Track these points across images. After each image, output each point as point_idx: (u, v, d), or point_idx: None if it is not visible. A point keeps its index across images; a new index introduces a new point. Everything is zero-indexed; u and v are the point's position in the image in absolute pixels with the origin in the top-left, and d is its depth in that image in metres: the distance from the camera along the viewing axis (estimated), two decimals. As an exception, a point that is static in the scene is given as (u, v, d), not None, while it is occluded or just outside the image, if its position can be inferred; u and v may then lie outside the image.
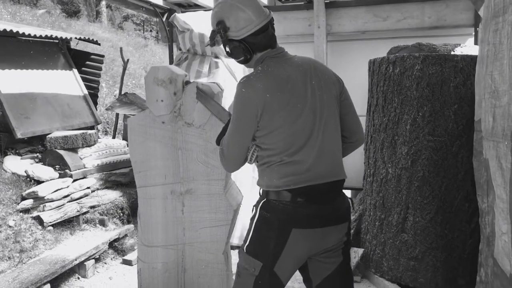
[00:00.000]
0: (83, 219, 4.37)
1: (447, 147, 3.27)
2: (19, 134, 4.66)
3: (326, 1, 4.98)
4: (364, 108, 3.77)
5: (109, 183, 4.86)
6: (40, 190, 3.99)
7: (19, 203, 3.99)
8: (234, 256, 2.99)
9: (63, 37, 5.72)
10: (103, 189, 4.78)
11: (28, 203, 3.98)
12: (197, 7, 5.61)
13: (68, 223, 4.21)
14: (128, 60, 6.27)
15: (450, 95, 3.24)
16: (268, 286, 1.97)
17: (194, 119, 2.65)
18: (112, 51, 11.38)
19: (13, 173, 4.34)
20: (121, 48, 6.42)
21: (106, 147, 5.03)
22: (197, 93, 2.63)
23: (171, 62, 5.77)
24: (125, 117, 5.91)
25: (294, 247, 1.91)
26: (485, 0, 2.13)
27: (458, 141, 3.27)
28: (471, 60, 3.25)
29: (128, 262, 4.18)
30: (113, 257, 4.27)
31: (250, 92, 1.90)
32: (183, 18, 4.67)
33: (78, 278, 3.85)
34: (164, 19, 5.67)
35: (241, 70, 4.75)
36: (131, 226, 4.56)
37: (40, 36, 5.31)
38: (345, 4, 5.06)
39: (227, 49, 2.05)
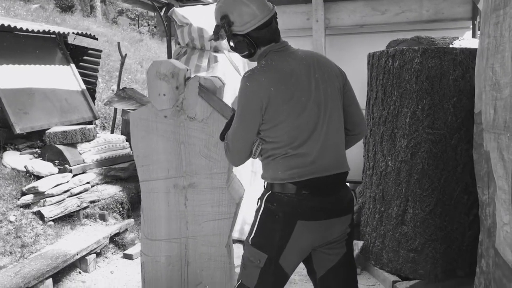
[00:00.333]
0: (84, 214, 4.37)
1: (446, 139, 3.30)
2: (18, 130, 4.65)
3: (324, -5, 5.00)
4: (363, 102, 3.78)
5: (108, 178, 4.87)
6: (40, 185, 4.00)
7: (19, 198, 3.99)
8: (235, 249, 3.02)
9: (61, 32, 5.70)
10: (102, 184, 4.79)
11: (28, 198, 3.98)
12: (195, 1, 5.60)
13: (68, 218, 4.22)
14: (126, 54, 6.25)
15: (449, 88, 3.27)
16: (273, 278, 1.99)
17: (196, 113, 2.66)
18: (107, 45, 11.31)
19: (13, 169, 4.34)
20: (118, 43, 6.40)
21: (105, 142, 5.04)
22: (199, 89, 2.64)
23: (169, 56, 5.76)
24: (123, 112, 5.90)
25: (299, 239, 1.93)
26: (485, -7, 2.14)
27: (457, 134, 3.30)
28: (470, 53, 3.28)
29: (129, 257, 4.20)
30: (114, 252, 4.29)
31: (254, 86, 1.91)
32: (182, 12, 4.66)
33: (80, 273, 3.86)
34: (162, 13, 5.65)
35: (241, 65, 4.76)
36: (132, 220, 4.57)
37: (38, 31, 5.29)
38: (343, -3, 5.07)
39: (231, 43, 2.07)
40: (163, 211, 2.79)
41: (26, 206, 3.99)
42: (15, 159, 4.49)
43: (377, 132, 3.59)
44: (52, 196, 4.07)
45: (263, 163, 2.04)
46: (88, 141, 4.84)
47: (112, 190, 4.72)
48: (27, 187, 4.02)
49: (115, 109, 6.29)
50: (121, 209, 4.65)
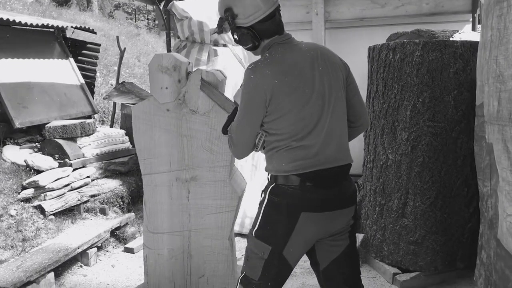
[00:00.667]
0: (84, 208, 4.38)
1: (447, 132, 3.31)
2: (17, 124, 4.64)
3: (324, -12, 4.99)
4: (363, 95, 3.78)
5: (108, 172, 4.87)
6: (41, 179, 3.99)
7: (19, 192, 3.99)
8: (236, 242, 3.04)
9: (59, 26, 5.67)
10: (102, 178, 4.78)
11: (28, 192, 3.98)
12: (194, -6, 5.58)
13: (69, 212, 4.22)
14: (125, 48, 6.23)
15: (449, 81, 3.27)
16: (277, 270, 2.00)
17: (198, 106, 2.66)
18: (104, 40, 11.27)
19: (13, 163, 4.33)
20: (117, 37, 6.37)
21: (105, 136, 5.03)
22: (201, 84, 2.64)
23: (169, 50, 5.74)
24: (123, 106, 5.89)
25: (303, 231, 1.94)
26: (488, -15, 2.15)
27: (458, 127, 3.31)
28: (470, 46, 3.28)
29: (130, 250, 4.21)
30: (115, 245, 4.30)
31: (258, 78, 1.91)
32: (182, 5, 4.65)
33: (81, 266, 3.87)
34: (161, 7, 5.63)
35: (242, 58, 4.76)
36: (132, 214, 4.57)
37: (37, 25, 5.27)
38: (343, -9, 5.07)
39: (235, 36, 2.06)
40: (165, 204, 2.79)
41: (27, 200, 3.98)
42: (15, 154, 4.48)
43: (377, 125, 3.60)
44: (53, 190, 4.07)
45: (266, 155, 2.05)
46: (88, 135, 4.83)
47: (112, 184, 4.71)
48: (27, 181, 4.02)
49: (114, 103, 6.27)
50: (121, 203, 4.65)
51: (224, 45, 4.73)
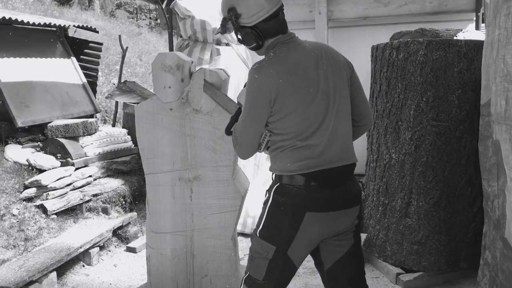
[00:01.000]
0: (86, 207, 4.37)
1: (451, 132, 3.29)
2: (19, 123, 4.63)
3: (326, -13, 4.97)
4: (366, 94, 3.76)
5: (110, 172, 4.86)
6: (43, 178, 3.99)
7: (22, 191, 3.98)
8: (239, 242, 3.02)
9: (61, 25, 5.67)
10: (105, 177, 4.78)
11: (31, 191, 3.97)
12: (197, -7, 5.56)
13: (71, 212, 4.21)
14: (127, 48, 6.22)
15: (453, 80, 3.26)
16: (282, 270, 1.99)
17: (202, 106, 2.65)
18: (106, 39, 11.26)
19: (15, 162, 4.32)
20: (120, 36, 6.36)
21: (107, 136, 5.02)
22: (204, 85, 2.63)
23: (171, 49, 5.73)
24: (125, 105, 5.88)
25: (308, 230, 1.93)
26: (495, -16, 2.13)
27: (462, 126, 3.30)
28: (474, 45, 3.27)
29: (132, 250, 4.20)
30: (117, 245, 4.29)
31: (263, 77, 1.90)
32: (184, 4, 4.63)
33: (83, 266, 3.86)
34: (163, 6, 5.62)
35: (244, 56, 4.75)
36: (134, 214, 4.56)
37: (39, 24, 5.26)
38: (346, -10, 5.04)
39: (239, 36, 2.05)
40: (168, 204, 2.79)
41: (29, 199, 3.98)
42: (17, 153, 4.47)
43: (381, 125, 3.58)
44: (55, 189, 4.06)
45: (271, 155, 2.04)
46: (90, 134, 4.82)
47: (115, 184, 4.71)
48: (29, 180, 4.01)
49: (116, 103, 6.27)
50: (123, 202, 4.64)
51: (227, 44, 4.72)
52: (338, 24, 5.21)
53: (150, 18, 22.19)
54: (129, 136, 5.34)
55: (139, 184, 4.87)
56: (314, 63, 1.96)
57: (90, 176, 4.53)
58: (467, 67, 3.25)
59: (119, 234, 4.35)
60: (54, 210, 3.99)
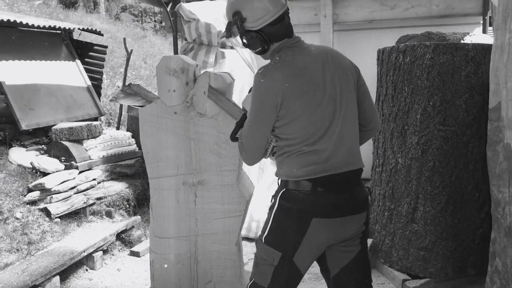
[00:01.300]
0: (90, 210, 4.35)
1: (458, 136, 3.25)
2: (23, 126, 4.63)
3: (332, -10, 4.94)
4: (372, 98, 3.74)
5: (114, 175, 4.84)
6: (47, 181, 3.97)
7: (25, 195, 3.97)
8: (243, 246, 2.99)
9: (66, 28, 5.67)
10: (108, 180, 4.76)
11: (34, 195, 3.96)
12: (202, -4, 5.56)
13: (75, 215, 4.20)
14: (131, 50, 6.21)
15: (461, 84, 3.22)
16: (287, 276, 1.97)
17: (206, 109, 2.62)
18: (111, 42, 11.28)
19: (19, 165, 4.31)
20: (124, 39, 6.35)
21: (111, 139, 5.01)
22: (209, 91, 2.60)
23: (176, 52, 5.72)
24: (129, 108, 5.87)
25: (314, 237, 1.90)
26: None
27: (469, 131, 3.26)
28: (482, 49, 3.23)
29: (135, 254, 4.18)
30: (121, 249, 4.27)
31: (269, 82, 1.88)
32: (189, 7, 4.62)
33: (87, 270, 3.84)
34: (168, 8, 5.61)
35: (250, 61, 4.73)
36: (138, 217, 4.54)
37: (44, 27, 5.26)
38: (352, -8, 5.02)
39: (244, 40, 2.03)
40: (172, 209, 2.76)
41: (33, 202, 3.96)
42: (21, 156, 4.47)
43: (387, 129, 3.55)
44: (59, 192, 4.05)
45: (277, 160, 2.01)
46: (94, 137, 4.81)
47: (118, 187, 4.69)
48: (33, 183, 4.00)
49: (121, 106, 6.26)
50: (127, 206, 4.62)
51: (232, 47, 4.70)
52: (343, 27, 5.18)
53: (155, 21, 22.23)
54: (133, 139, 5.32)
55: (143, 188, 4.85)
56: (320, 67, 1.94)
57: (94, 179, 4.51)
58: (474, 71, 3.22)
59: (123, 238, 4.32)
60: (57, 214, 3.97)
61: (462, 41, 3.75)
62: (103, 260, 4.01)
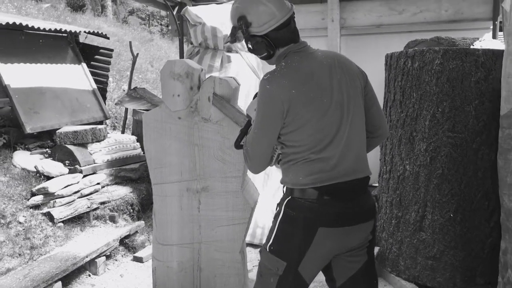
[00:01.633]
0: (93, 215, 4.31)
1: (467, 143, 3.19)
2: (28, 129, 4.60)
3: (340, -6, 4.90)
4: (380, 104, 3.69)
5: (119, 179, 4.81)
6: (50, 185, 3.94)
7: (29, 199, 3.94)
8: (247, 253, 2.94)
9: (72, 31, 5.65)
10: (113, 184, 4.73)
11: (38, 199, 3.93)
12: (209, 0, 5.54)
13: (78, 220, 4.16)
14: (137, 54, 6.20)
15: (470, 90, 3.16)
16: (292, 286, 1.92)
17: (211, 115, 2.58)
18: (118, 45, 11.30)
19: (23, 169, 4.29)
20: (130, 42, 6.34)
21: (116, 142, 4.98)
22: (213, 97, 2.56)
23: (181, 56, 5.69)
24: (134, 112, 5.85)
25: (320, 246, 1.85)
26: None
27: (479, 138, 3.19)
28: (492, 54, 3.17)
29: (139, 259, 4.13)
30: (124, 254, 4.23)
31: (275, 88, 1.83)
32: (195, 11, 4.60)
33: (89, 275, 3.80)
34: (174, 12, 5.59)
35: (255, 66, 4.69)
36: (142, 222, 4.50)
37: (50, 30, 5.24)
38: (360, -3, 4.97)
39: (249, 45, 1.99)
40: (175, 215, 2.71)
41: (36, 207, 3.93)
42: (25, 159, 4.44)
43: (394, 135, 3.49)
44: (62, 197, 4.02)
45: (282, 167, 1.96)
46: (99, 141, 4.78)
47: (123, 191, 4.65)
48: (37, 187, 3.97)
49: (126, 109, 6.24)
50: (131, 210, 4.58)
51: (237, 52, 4.67)
52: (351, 32, 5.13)
53: (161, 24, 22.27)
54: (138, 143, 5.29)
55: (148, 192, 4.81)
56: (327, 73, 1.89)
57: (98, 183, 4.48)
58: (484, 77, 3.15)
59: (126, 243, 4.28)
60: (61, 218, 3.94)
61: (472, 47, 3.69)
62: (106, 266, 3.96)
